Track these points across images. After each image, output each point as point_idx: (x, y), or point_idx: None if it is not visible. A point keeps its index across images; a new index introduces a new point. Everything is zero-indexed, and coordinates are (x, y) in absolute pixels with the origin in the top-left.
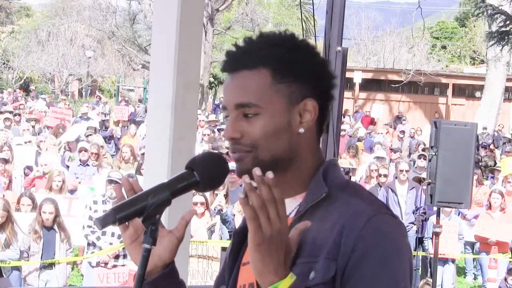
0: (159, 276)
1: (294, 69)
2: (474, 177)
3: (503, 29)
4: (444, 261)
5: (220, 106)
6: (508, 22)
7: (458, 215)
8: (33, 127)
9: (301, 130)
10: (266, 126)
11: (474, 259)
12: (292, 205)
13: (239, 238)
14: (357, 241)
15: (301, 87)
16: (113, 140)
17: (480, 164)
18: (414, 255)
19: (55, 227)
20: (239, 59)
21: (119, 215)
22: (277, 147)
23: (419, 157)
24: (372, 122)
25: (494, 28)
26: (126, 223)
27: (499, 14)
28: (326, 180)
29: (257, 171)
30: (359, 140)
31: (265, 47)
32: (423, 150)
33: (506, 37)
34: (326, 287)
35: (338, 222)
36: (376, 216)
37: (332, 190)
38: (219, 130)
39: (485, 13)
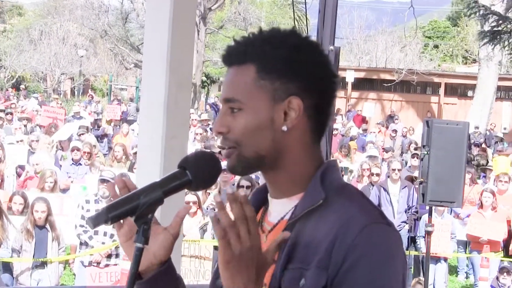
0: (156, 274)
1: (278, 66)
2: (468, 176)
3: (495, 28)
4: (436, 259)
5: None
6: (500, 22)
7: (451, 214)
8: (25, 126)
9: (284, 128)
10: (248, 122)
11: (466, 258)
12: (288, 206)
13: None
14: (348, 251)
15: (286, 85)
16: (105, 139)
17: (472, 163)
18: (407, 254)
19: (47, 226)
20: (231, 55)
21: (111, 214)
22: (260, 144)
23: (412, 156)
24: (364, 121)
25: (486, 28)
26: (121, 221)
27: (491, 14)
28: (324, 183)
29: (229, 189)
30: (352, 139)
31: (254, 44)
32: (416, 149)
33: (498, 37)
34: None
35: (332, 230)
36: (369, 226)
37: (329, 194)
38: (211, 129)
39: (478, 13)
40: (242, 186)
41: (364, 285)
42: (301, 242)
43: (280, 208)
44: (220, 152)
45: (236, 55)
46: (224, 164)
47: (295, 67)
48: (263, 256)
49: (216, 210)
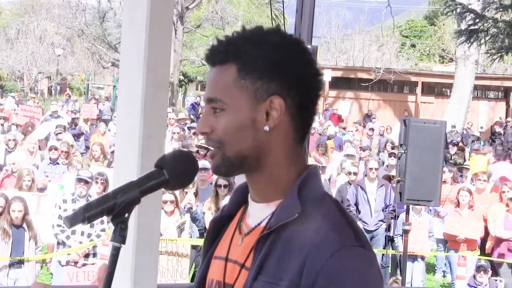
0: None
1: (259, 65)
2: (450, 175)
3: (472, 27)
4: (414, 258)
5: None
6: (477, 21)
7: (432, 213)
8: (1, 125)
9: (266, 128)
10: (230, 122)
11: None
12: (265, 212)
13: (215, 227)
14: (318, 276)
15: (267, 84)
16: (82, 138)
17: (450, 162)
18: (383, 253)
19: (24, 225)
20: (213, 55)
21: (88, 214)
22: (242, 144)
23: (389, 155)
24: (340, 119)
25: (463, 26)
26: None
27: (468, 13)
28: (302, 193)
29: None
30: (329, 138)
31: (235, 43)
32: (393, 148)
33: (474, 35)
34: None
35: (303, 250)
36: (340, 251)
37: (305, 207)
38: (189, 128)
39: (455, 11)
40: (220, 186)
41: None
42: (274, 254)
43: (258, 213)
44: (198, 151)
45: (218, 54)
46: (201, 163)
47: (276, 66)
48: None
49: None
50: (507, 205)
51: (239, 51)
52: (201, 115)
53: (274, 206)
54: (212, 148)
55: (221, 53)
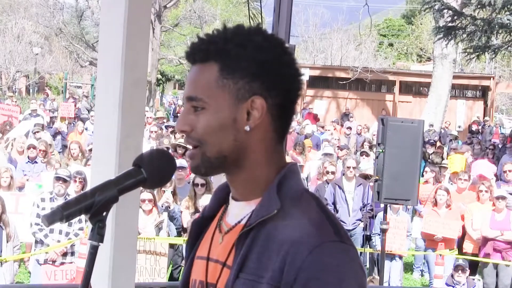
0: None
1: (241, 65)
2: (432, 175)
3: (450, 24)
4: (392, 257)
5: None
6: (455, 18)
7: (408, 211)
8: None
9: (247, 128)
10: (210, 121)
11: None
12: (245, 210)
13: (196, 229)
14: (299, 272)
15: (249, 84)
16: (59, 137)
17: (428, 161)
18: (361, 252)
19: (1, 224)
20: (194, 53)
21: (66, 212)
22: (222, 143)
23: (361, 154)
24: (316, 118)
25: (441, 23)
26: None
27: (446, 10)
28: (281, 190)
29: None
30: (306, 137)
31: (217, 42)
32: (370, 147)
33: (452, 33)
34: None
35: (284, 247)
36: (320, 247)
37: (284, 203)
38: (166, 127)
39: (433, 8)
40: (197, 184)
41: None
42: (254, 251)
43: (238, 211)
44: (176, 150)
45: (199, 53)
46: (178, 162)
47: (258, 66)
48: None
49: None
50: (493, 204)
51: (221, 50)
52: (179, 113)
53: (254, 204)
54: (191, 147)
55: (202, 52)
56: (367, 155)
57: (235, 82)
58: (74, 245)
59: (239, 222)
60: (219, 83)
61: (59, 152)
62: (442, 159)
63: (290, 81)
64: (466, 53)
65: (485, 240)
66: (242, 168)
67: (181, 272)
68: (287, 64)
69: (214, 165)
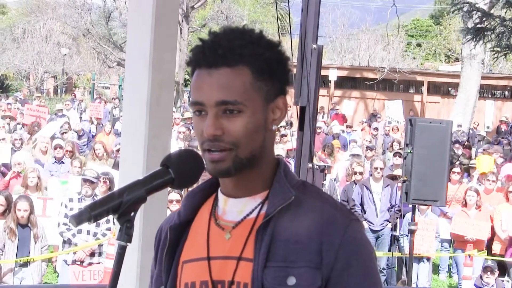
0: None
1: (271, 67)
2: (457, 175)
3: (478, 25)
4: (419, 258)
5: (193, 101)
6: (484, 19)
7: (435, 212)
8: (8, 124)
9: (274, 127)
10: (248, 123)
11: (450, 257)
12: (251, 204)
13: (176, 234)
14: (339, 251)
15: (274, 85)
16: (86, 137)
17: (456, 162)
18: (389, 256)
19: (29, 224)
20: (220, 56)
21: (94, 212)
22: (255, 144)
23: (394, 155)
24: (344, 119)
25: (469, 25)
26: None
27: (475, 11)
28: (288, 181)
29: None
30: (334, 137)
31: (245, 45)
32: (399, 148)
33: (481, 34)
34: None
35: (314, 229)
36: (349, 225)
37: (295, 191)
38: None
39: (462, 9)
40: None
41: (360, 282)
42: (279, 239)
43: (240, 208)
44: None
45: (226, 57)
46: None
47: (280, 66)
48: None
49: None
50: None
51: (254, 54)
52: (207, 118)
53: (260, 198)
54: (219, 151)
55: (232, 56)
56: (400, 155)
57: (266, 84)
58: (102, 245)
59: (246, 216)
60: (253, 86)
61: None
62: (470, 159)
63: (291, 78)
64: (494, 52)
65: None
66: (256, 166)
67: (155, 279)
68: (289, 64)
69: (245, 166)
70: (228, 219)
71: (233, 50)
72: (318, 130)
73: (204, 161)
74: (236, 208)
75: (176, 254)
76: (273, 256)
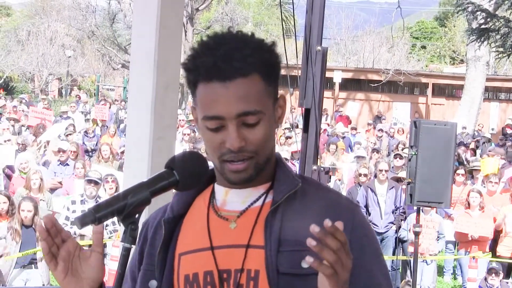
0: None
1: (275, 70)
2: (461, 177)
3: (483, 26)
4: (424, 259)
5: (209, 116)
6: (488, 20)
7: (440, 214)
8: (13, 126)
9: (279, 125)
10: (266, 130)
11: (454, 259)
12: (254, 195)
13: (170, 227)
14: (352, 233)
15: (276, 85)
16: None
17: (460, 164)
18: (394, 258)
19: (33, 226)
20: (236, 69)
21: (98, 214)
22: (270, 147)
23: (395, 157)
24: (348, 120)
25: (474, 25)
26: (55, 260)
27: (479, 12)
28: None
29: (328, 222)
30: (339, 139)
31: (252, 54)
32: (403, 149)
33: (486, 35)
34: None
35: (324, 214)
36: (356, 210)
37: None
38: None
39: (466, 10)
40: None
41: (373, 260)
42: (289, 226)
43: (244, 197)
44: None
45: (238, 67)
46: (211, 164)
47: (279, 68)
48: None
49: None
50: None
51: (262, 61)
52: (230, 131)
53: (263, 188)
54: (241, 160)
55: (244, 65)
56: (401, 157)
57: (274, 87)
58: (106, 247)
59: (250, 205)
60: (266, 92)
61: (85, 152)
62: (475, 161)
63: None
64: (498, 52)
65: None
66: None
67: (142, 274)
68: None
69: (262, 169)
70: (231, 209)
71: (245, 61)
72: (321, 131)
73: (220, 169)
74: (239, 198)
75: (170, 247)
76: (284, 242)
